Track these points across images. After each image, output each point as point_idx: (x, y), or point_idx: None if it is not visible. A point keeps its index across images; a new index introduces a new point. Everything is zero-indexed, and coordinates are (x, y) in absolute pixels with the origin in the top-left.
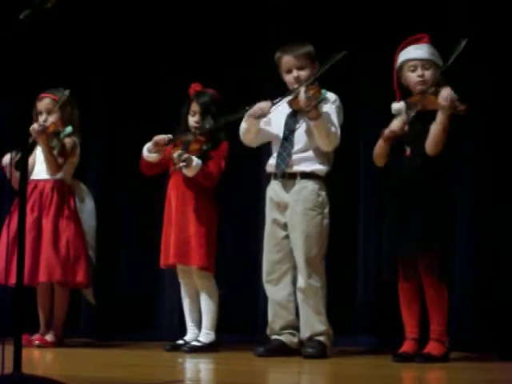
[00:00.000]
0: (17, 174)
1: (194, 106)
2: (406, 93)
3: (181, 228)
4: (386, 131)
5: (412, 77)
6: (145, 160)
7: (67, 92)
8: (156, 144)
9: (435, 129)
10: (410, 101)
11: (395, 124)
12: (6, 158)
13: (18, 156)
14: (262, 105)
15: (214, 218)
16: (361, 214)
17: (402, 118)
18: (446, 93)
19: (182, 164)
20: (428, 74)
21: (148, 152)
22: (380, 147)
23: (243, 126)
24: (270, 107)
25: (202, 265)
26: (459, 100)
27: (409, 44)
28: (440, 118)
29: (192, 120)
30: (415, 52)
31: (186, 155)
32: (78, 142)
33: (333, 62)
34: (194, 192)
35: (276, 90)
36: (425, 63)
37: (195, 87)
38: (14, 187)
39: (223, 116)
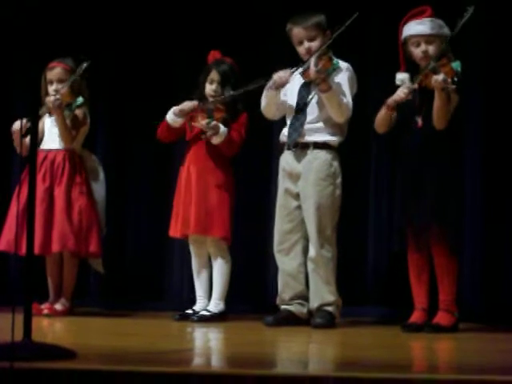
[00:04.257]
0: (27, 141)
1: (214, 75)
2: (413, 65)
3: (202, 199)
4: (390, 100)
5: (416, 52)
6: (167, 125)
7: (85, 64)
8: (182, 109)
9: (435, 105)
10: (415, 79)
11: (398, 93)
12: (16, 125)
13: (29, 124)
14: (280, 74)
15: (232, 188)
16: (371, 184)
17: (408, 87)
18: (436, 77)
19: (211, 132)
20: (432, 48)
21: (174, 116)
22: (382, 116)
23: (263, 100)
24: (290, 75)
25: (225, 235)
26: (454, 80)
27: (412, 17)
28: (436, 95)
29: (210, 88)
30: (418, 28)
31: (214, 122)
32: (88, 112)
33: (342, 29)
34: (214, 163)
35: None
36: (428, 38)
37: (215, 54)
38: (22, 154)
39: (242, 86)
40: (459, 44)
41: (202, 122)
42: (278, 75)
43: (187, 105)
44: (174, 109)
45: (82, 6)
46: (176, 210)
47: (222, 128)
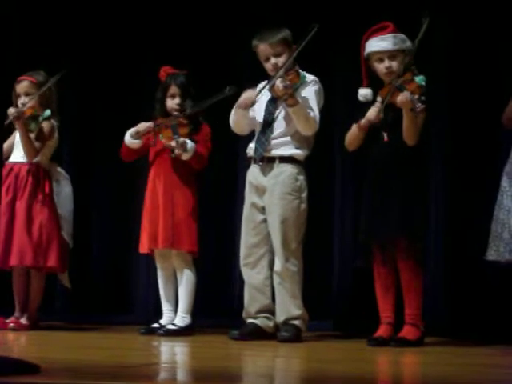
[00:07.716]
0: None
1: (173, 89)
2: (377, 80)
3: (170, 213)
4: (363, 121)
5: (380, 68)
6: (126, 147)
7: (56, 76)
8: (138, 131)
9: (404, 124)
10: (380, 94)
11: (371, 113)
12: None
13: None
14: (248, 94)
15: (197, 202)
16: (337, 198)
17: (378, 106)
18: (402, 97)
19: (180, 149)
20: (395, 64)
21: (131, 138)
22: (355, 135)
23: (232, 118)
24: (257, 94)
25: (192, 249)
26: (421, 98)
27: (374, 33)
28: (404, 114)
29: (173, 103)
30: (380, 44)
31: (182, 139)
32: (56, 126)
33: (305, 42)
34: (180, 177)
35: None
36: (391, 53)
37: (167, 70)
38: None
39: (207, 98)
40: (422, 57)
41: (170, 143)
42: (245, 95)
43: (142, 126)
44: (131, 131)
45: (48, 21)
46: (143, 225)
47: (190, 144)
